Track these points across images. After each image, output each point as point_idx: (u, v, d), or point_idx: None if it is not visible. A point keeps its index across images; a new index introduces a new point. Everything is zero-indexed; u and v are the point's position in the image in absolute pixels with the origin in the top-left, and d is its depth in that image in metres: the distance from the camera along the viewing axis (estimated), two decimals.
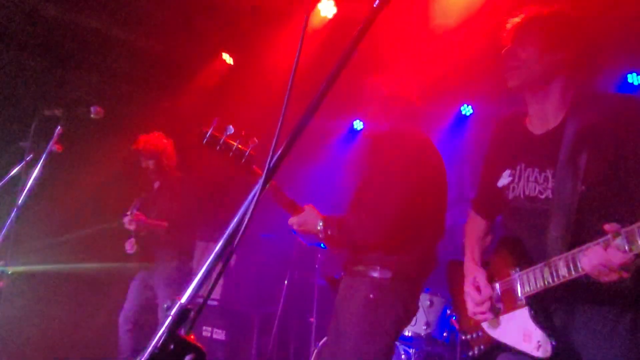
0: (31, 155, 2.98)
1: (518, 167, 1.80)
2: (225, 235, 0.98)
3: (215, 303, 5.22)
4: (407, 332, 3.77)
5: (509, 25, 1.81)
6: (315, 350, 4.08)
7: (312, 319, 4.58)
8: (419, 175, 2.42)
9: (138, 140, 4.17)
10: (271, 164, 1.03)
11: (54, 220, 4.63)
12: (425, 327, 3.77)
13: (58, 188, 4.47)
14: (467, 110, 5.57)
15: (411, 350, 3.80)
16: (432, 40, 4.28)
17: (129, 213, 3.97)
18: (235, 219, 0.99)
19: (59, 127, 2.86)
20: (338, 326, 2.48)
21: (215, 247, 0.97)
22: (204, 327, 5.15)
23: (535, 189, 1.73)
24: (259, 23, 4.42)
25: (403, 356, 3.76)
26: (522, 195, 1.77)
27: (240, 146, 2.40)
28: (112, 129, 4.17)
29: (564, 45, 1.72)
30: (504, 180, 1.84)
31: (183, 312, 0.91)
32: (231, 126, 2.33)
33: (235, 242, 0.98)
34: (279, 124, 1.05)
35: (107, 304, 4.26)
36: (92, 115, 2.97)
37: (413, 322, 3.64)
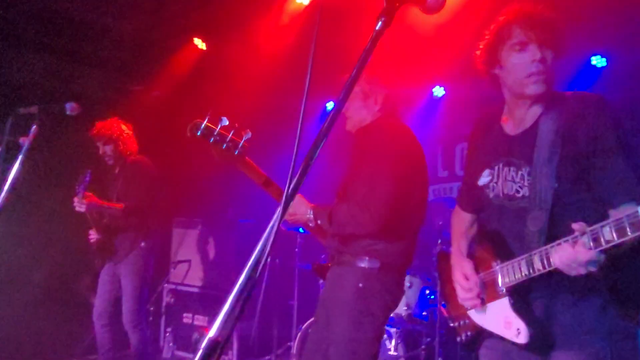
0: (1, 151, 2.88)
1: (496, 167, 1.87)
2: (248, 266, 1.01)
3: (196, 290, 5.23)
4: None
5: (524, 19, 1.70)
6: (299, 334, 4.17)
7: (293, 302, 4.68)
8: (403, 165, 2.49)
9: (94, 126, 4.08)
10: (289, 191, 1.04)
11: (34, 217, 4.51)
12: (405, 308, 3.90)
13: (37, 183, 4.35)
14: (439, 91, 5.64)
15: (392, 330, 3.94)
16: (405, 22, 4.28)
17: (77, 191, 3.86)
18: (257, 249, 1.01)
19: (35, 126, 2.76)
20: (327, 314, 2.55)
21: (239, 277, 1.00)
22: (185, 314, 5.17)
23: (512, 187, 1.81)
24: (233, 7, 4.33)
25: (385, 335, 3.90)
26: (501, 194, 1.84)
27: (234, 137, 2.42)
28: (86, 117, 4.05)
29: (562, 50, 1.74)
30: (484, 179, 1.91)
31: (213, 345, 0.95)
32: (225, 118, 2.36)
33: (258, 273, 1.01)
34: (295, 148, 1.05)
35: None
36: (67, 112, 2.89)
37: None
